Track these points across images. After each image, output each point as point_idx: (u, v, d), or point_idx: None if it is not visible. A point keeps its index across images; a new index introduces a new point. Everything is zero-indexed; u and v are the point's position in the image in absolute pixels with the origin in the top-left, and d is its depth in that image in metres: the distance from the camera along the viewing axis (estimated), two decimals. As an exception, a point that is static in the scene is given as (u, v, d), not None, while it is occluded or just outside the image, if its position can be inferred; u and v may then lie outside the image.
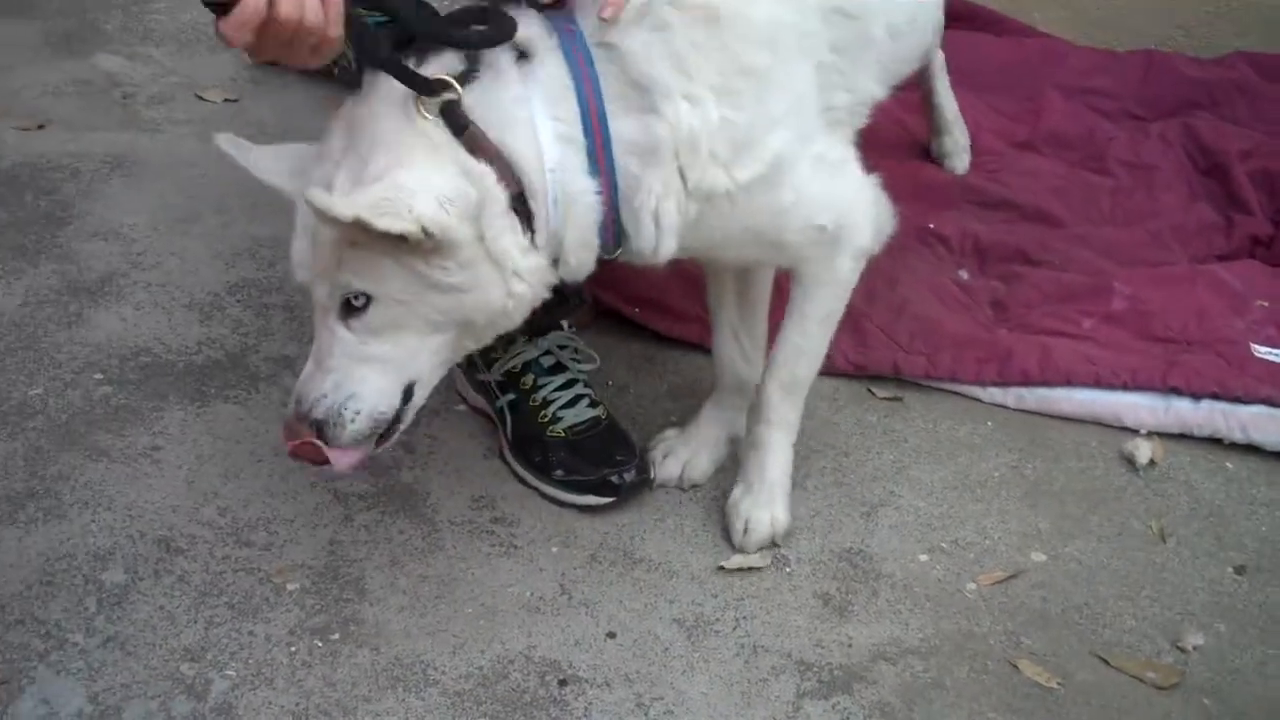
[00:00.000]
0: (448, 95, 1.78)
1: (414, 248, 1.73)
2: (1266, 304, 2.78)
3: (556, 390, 2.32)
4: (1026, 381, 2.57)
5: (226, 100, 3.38)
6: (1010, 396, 2.58)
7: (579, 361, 2.38)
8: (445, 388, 2.48)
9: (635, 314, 2.66)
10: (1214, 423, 2.52)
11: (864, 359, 2.60)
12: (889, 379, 2.61)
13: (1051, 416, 2.56)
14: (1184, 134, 3.28)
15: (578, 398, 2.32)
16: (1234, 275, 2.85)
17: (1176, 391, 2.54)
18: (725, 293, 2.31)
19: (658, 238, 1.92)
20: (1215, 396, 2.53)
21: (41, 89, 3.37)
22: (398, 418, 1.91)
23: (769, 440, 2.23)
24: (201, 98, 3.38)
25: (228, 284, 2.72)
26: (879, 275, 2.66)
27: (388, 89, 1.80)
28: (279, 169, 1.90)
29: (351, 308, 1.81)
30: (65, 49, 3.56)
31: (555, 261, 1.89)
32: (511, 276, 1.82)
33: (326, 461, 1.88)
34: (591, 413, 2.32)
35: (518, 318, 1.90)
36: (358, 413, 1.85)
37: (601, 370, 2.48)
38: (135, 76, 3.47)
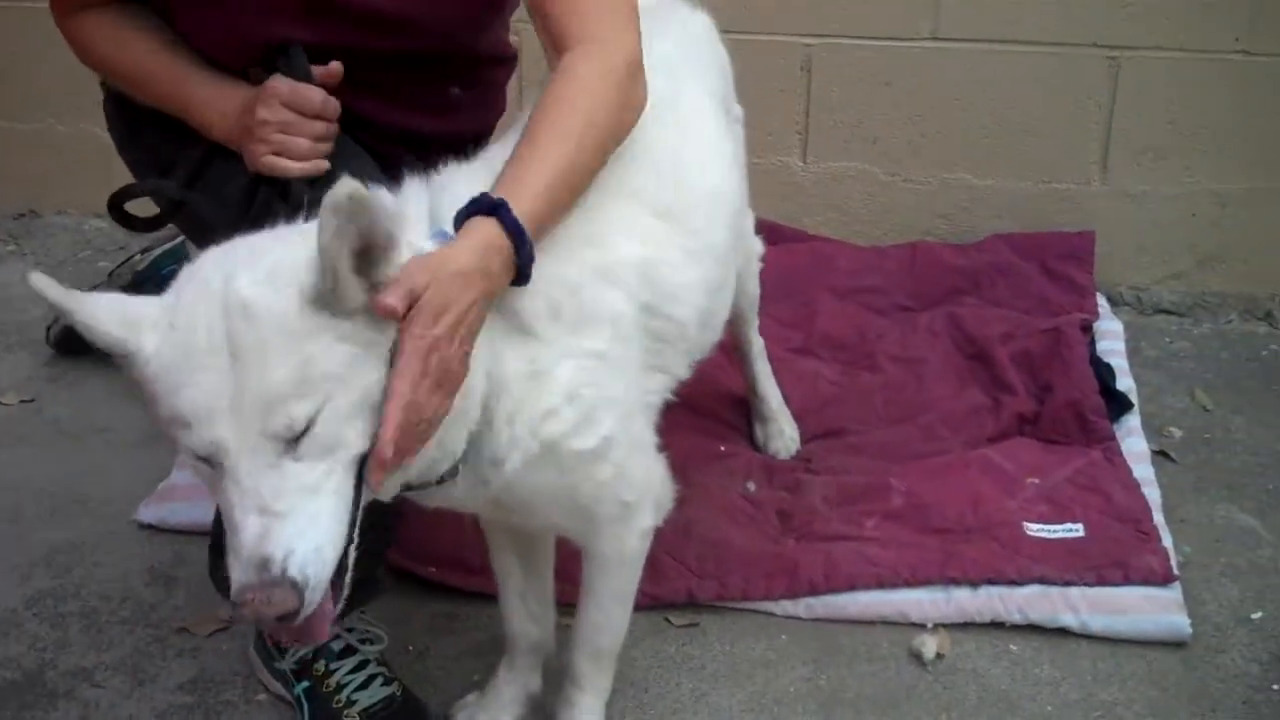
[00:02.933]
0: None
1: (365, 311, 1.62)
2: (1037, 480, 2.92)
3: (349, 674, 2.35)
4: (814, 591, 2.66)
5: (22, 402, 3.40)
6: (801, 607, 2.66)
7: (368, 643, 2.41)
8: (247, 676, 2.51)
9: (431, 573, 2.71)
10: (993, 608, 2.62)
11: (658, 589, 2.65)
12: (685, 605, 2.68)
13: (843, 621, 2.64)
14: (949, 323, 3.46)
15: (371, 677, 2.36)
16: (1004, 456, 2.99)
17: (955, 582, 2.65)
18: (509, 561, 2.35)
19: (509, 444, 1.88)
20: (991, 582, 2.64)
21: None
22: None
23: (579, 702, 2.29)
24: (-4, 401, 3.41)
25: (24, 597, 2.72)
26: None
27: None
28: (113, 319, 1.67)
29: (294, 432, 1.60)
30: None
31: None
32: None
33: (309, 636, 1.65)
34: (385, 691, 2.34)
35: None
36: (332, 555, 1.61)
37: (401, 635, 2.53)
38: (-71, 387, 3.49)
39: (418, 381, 1.66)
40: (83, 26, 2.22)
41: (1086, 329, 3.40)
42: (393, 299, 1.64)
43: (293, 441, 1.59)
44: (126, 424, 3.25)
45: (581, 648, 2.26)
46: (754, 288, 3.00)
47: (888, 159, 3.85)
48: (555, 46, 2.05)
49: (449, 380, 1.72)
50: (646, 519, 2.14)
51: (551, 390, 1.90)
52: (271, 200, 2.06)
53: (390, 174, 2.11)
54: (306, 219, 1.82)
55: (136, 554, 2.83)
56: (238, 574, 1.58)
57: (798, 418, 3.15)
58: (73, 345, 3.54)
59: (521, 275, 1.84)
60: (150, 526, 2.90)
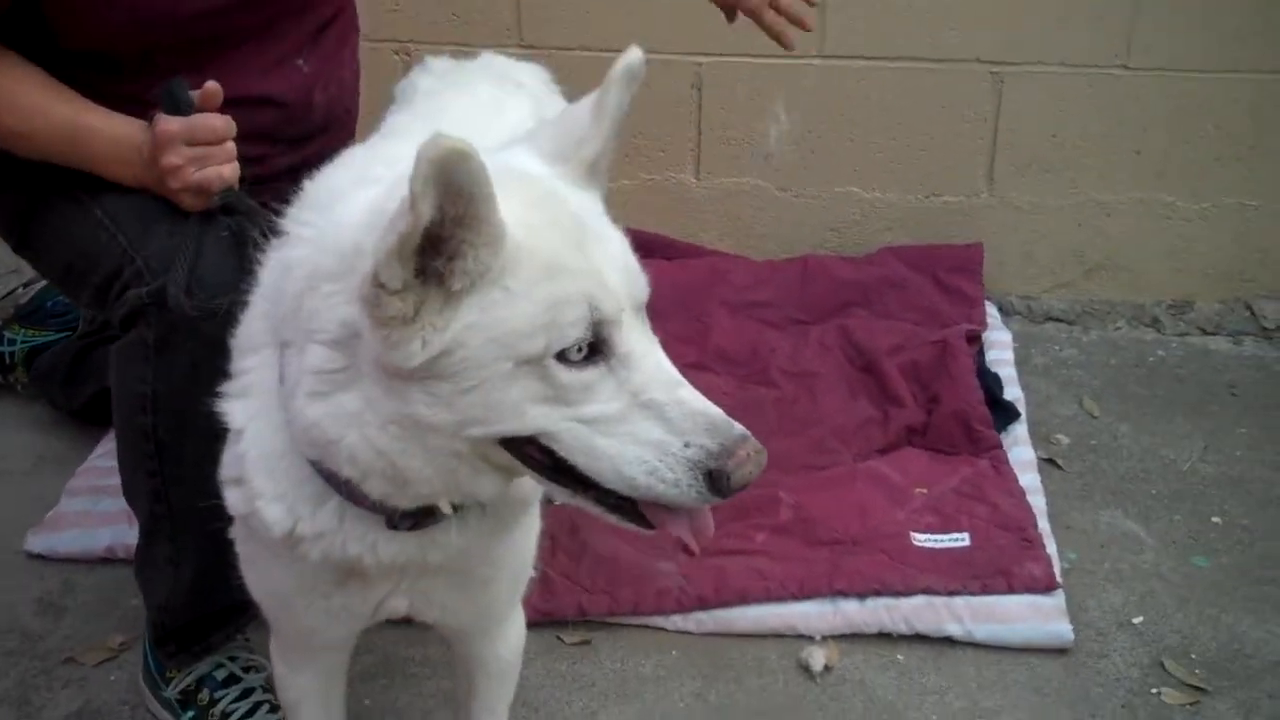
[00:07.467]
0: None
1: None
2: (925, 490, 2.97)
3: (234, 702, 2.34)
4: (704, 605, 2.68)
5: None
6: (692, 622, 2.68)
7: (251, 670, 2.40)
8: (134, 706, 2.49)
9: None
10: (880, 619, 2.66)
11: (550, 605, 2.67)
12: (578, 622, 2.69)
13: (733, 636, 2.67)
14: (840, 335, 3.50)
15: (257, 705, 2.35)
16: (892, 467, 3.04)
17: (842, 594, 2.68)
18: (307, 682, 2.09)
19: None
20: (878, 593, 2.68)
21: None
22: None
23: None
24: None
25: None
26: (561, 523, 2.77)
27: None
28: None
29: None
30: None
31: None
32: None
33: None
34: (272, 718, 2.33)
35: None
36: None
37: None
38: None
39: None
40: None
41: (974, 340, 3.46)
42: None
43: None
44: (14, 453, 3.21)
45: None
46: None
47: (779, 174, 3.90)
48: None
49: None
50: None
51: None
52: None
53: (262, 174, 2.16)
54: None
55: (24, 584, 2.79)
56: (711, 443, 1.47)
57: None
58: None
59: None
60: (39, 556, 2.86)
